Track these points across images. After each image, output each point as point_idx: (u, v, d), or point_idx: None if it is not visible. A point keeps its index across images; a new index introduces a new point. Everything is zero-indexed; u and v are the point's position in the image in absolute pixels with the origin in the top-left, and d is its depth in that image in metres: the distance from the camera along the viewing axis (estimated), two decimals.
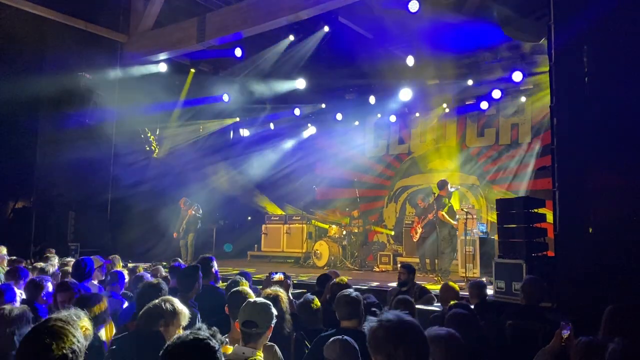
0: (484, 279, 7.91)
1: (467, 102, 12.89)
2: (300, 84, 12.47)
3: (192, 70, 12.69)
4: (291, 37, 10.94)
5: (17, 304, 4.00)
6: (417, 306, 5.23)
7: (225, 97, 13.27)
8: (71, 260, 6.81)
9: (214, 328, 1.84)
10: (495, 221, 8.31)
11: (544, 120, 11.42)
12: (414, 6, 8.45)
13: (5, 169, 10.10)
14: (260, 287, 4.86)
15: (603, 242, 5.38)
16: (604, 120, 5.60)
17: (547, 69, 6.30)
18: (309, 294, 4.26)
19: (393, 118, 14.12)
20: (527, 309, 4.54)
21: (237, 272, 6.32)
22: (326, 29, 10.35)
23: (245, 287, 4.03)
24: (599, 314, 3.31)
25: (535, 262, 6.61)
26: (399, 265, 8.90)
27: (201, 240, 12.18)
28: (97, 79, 11.18)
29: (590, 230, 5.47)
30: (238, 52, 11.13)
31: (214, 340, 1.84)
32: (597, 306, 3.63)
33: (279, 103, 14.24)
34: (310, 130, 15.20)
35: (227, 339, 3.06)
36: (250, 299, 3.18)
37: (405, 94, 12.16)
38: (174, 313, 2.99)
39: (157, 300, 3.08)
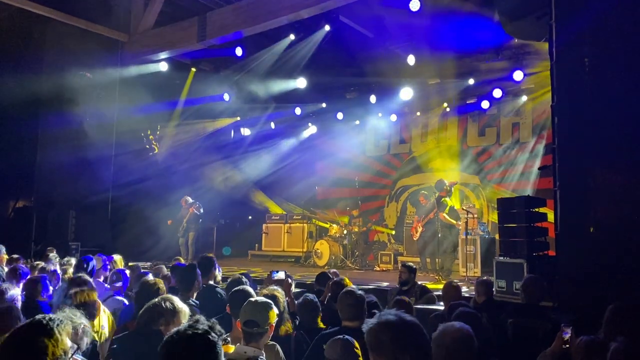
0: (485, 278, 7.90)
1: (468, 102, 12.87)
2: (301, 83, 12.47)
3: (193, 69, 12.70)
4: (292, 37, 10.94)
5: (19, 303, 4.01)
6: (418, 306, 5.24)
7: (226, 97, 13.28)
8: (71, 260, 6.82)
9: (213, 320, 1.79)
10: (496, 221, 8.31)
11: (545, 119, 11.41)
12: (415, 5, 8.44)
13: (6, 168, 10.11)
14: (261, 286, 4.85)
15: (604, 241, 5.38)
16: (605, 119, 5.59)
17: (548, 68, 6.29)
18: (308, 293, 4.25)
19: (394, 117, 14.11)
20: (528, 307, 4.53)
21: (240, 272, 6.32)
22: (327, 28, 10.34)
23: (247, 286, 4.03)
24: (600, 313, 3.31)
25: (536, 261, 6.61)
26: (399, 265, 8.91)
27: (202, 240, 12.18)
28: (97, 78, 11.19)
29: (592, 230, 5.46)
30: (239, 51, 11.13)
31: (212, 333, 1.78)
32: (598, 305, 3.62)
33: (279, 102, 14.23)
34: (311, 130, 15.20)
35: (229, 338, 3.05)
36: (251, 298, 3.17)
37: (406, 93, 12.16)
38: (174, 312, 2.99)
39: (157, 299, 3.08)
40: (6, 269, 5.73)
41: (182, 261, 7.72)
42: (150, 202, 12.00)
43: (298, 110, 14.13)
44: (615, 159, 5.56)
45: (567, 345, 3.02)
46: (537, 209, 7.07)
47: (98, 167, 11.29)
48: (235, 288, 3.70)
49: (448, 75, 12.02)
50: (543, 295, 4.77)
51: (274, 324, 2.99)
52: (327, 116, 14.51)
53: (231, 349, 2.85)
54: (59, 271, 5.86)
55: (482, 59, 11.24)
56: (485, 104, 12.27)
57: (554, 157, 5.93)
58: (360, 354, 2.78)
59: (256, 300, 3.05)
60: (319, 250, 11.71)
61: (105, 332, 3.99)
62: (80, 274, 4.52)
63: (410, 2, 8.50)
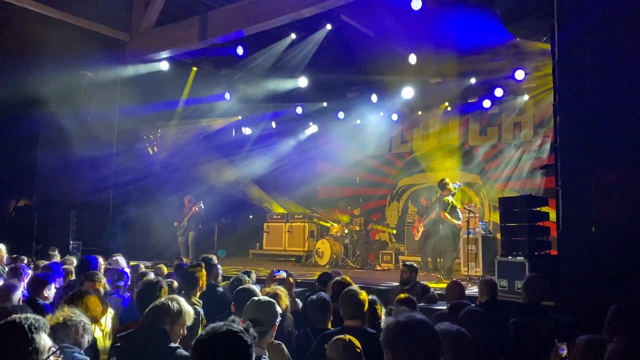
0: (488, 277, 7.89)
1: (469, 101, 12.85)
2: (302, 82, 12.46)
3: (194, 68, 12.70)
4: (293, 36, 10.93)
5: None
6: (420, 305, 5.23)
7: (227, 96, 13.27)
8: (71, 259, 6.83)
9: (248, 322, 1.79)
10: (498, 220, 8.30)
11: (547, 118, 11.39)
12: (416, 4, 8.43)
13: (7, 168, 10.12)
14: (263, 285, 4.85)
15: (606, 240, 5.37)
16: (607, 119, 5.58)
17: (550, 67, 6.28)
18: (321, 292, 4.22)
19: (395, 117, 14.09)
20: (530, 307, 4.53)
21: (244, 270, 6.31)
22: (328, 27, 10.33)
23: (251, 285, 4.03)
24: (602, 312, 3.30)
25: (538, 260, 6.60)
26: (401, 264, 8.90)
27: (203, 239, 12.18)
28: (98, 77, 11.20)
29: (594, 229, 5.45)
30: (240, 50, 11.12)
31: (247, 334, 1.80)
32: (600, 305, 3.62)
33: (280, 101, 14.22)
34: (312, 129, 15.18)
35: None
36: (254, 298, 3.18)
37: (408, 93, 12.14)
38: (180, 312, 3.00)
39: (163, 299, 3.08)
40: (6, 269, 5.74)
41: (185, 261, 7.72)
42: (151, 201, 12.01)
43: (299, 110, 14.11)
44: (618, 158, 5.55)
45: None
46: (539, 208, 7.06)
47: (99, 167, 11.29)
48: (241, 287, 3.71)
49: (449, 74, 12.00)
50: (545, 294, 4.76)
51: (276, 323, 2.99)
52: (328, 115, 14.49)
53: None
54: (60, 270, 5.86)
55: (483, 58, 11.22)
56: (486, 103, 12.26)
57: (556, 156, 5.92)
58: (362, 354, 2.78)
59: (259, 300, 3.05)
60: (320, 250, 11.71)
61: (109, 330, 4.00)
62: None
63: (412, 1, 8.48)
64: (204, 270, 4.55)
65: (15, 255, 7.16)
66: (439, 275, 9.08)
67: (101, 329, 3.88)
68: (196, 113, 13.55)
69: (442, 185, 9.60)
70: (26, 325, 1.93)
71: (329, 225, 13.01)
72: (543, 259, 6.76)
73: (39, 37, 10.14)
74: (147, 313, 3.02)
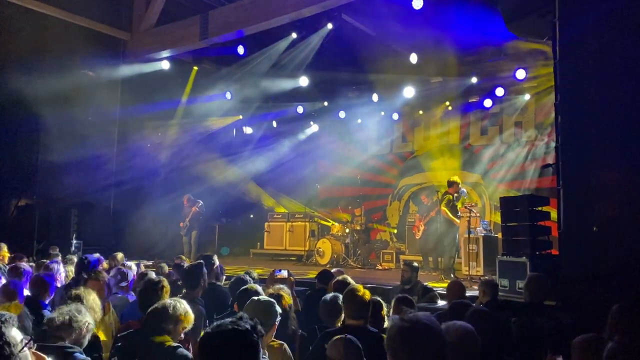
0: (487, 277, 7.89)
1: (470, 100, 12.85)
2: (303, 81, 12.45)
3: (195, 68, 12.69)
4: (294, 35, 10.92)
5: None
6: (421, 304, 5.22)
7: (228, 95, 13.26)
8: (72, 258, 6.83)
9: (255, 319, 1.78)
10: (499, 220, 8.30)
11: (548, 118, 11.37)
12: (417, 3, 8.42)
13: (8, 167, 10.12)
14: (264, 285, 4.85)
15: (608, 240, 5.36)
16: (608, 118, 5.57)
17: (552, 66, 6.27)
18: (336, 293, 4.19)
19: (396, 116, 14.09)
20: (531, 306, 4.52)
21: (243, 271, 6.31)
22: (329, 26, 10.33)
23: (255, 285, 4.02)
24: (603, 312, 3.30)
25: (539, 260, 6.59)
26: (401, 263, 8.90)
27: (204, 238, 12.19)
28: (100, 76, 11.19)
29: (595, 229, 5.44)
30: (241, 49, 11.11)
31: (254, 332, 1.77)
32: (601, 304, 3.62)
33: (281, 101, 14.21)
34: (313, 128, 15.18)
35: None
36: (254, 297, 3.17)
37: (409, 92, 12.13)
38: (181, 316, 3.01)
39: (166, 301, 3.08)
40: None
41: (185, 260, 7.72)
42: (152, 200, 12.01)
43: (300, 109, 14.10)
44: (619, 157, 5.54)
45: None
46: (540, 208, 7.05)
47: (100, 166, 11.31)
48: (244, 287, 3.70)
49: (450, 74, 11.99)
50: (546, 294, 4.76)
51: (276, 323, 2.98)
52: (329, 115, 14.48)
53: None
54: (62, 270, 5.87)
55: (484, 57, 11.22)
56: (487, 103, 12.24)
57: (557, 155, 5.91)
58: (362, 353, 2.78)
59: (259, 299, 3.05)
60: (320, 249, 11.71)
61: (111, 329, 4.01)
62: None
63: (413, 0, 8.47)
64: (205, 270, 4.55)
65: (14, 255, 7.16)
66: (440, 275, 9.07)
67: (102, 328, 3.88)
68: (197, 112, 13.54)
69: (451, 183, 9.62)
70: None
71: (329, 224, 13.00)
72: (544, 258, 6.75)
73: (40, 36, 10.14)
74: (148, 314, 3.02)
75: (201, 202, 11.59)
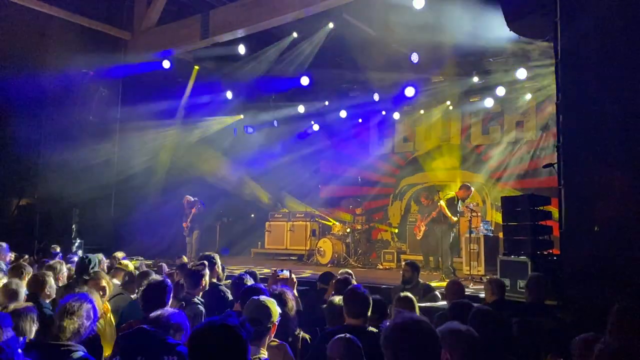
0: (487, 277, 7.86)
1: (471, 100, 12.84)
2: (304, 81, 12.44)
3: (196, 67, 12.68)
4: (295, 34, 10.92)
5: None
6: (422, 304, 5.22)
7: (229, 94, 13.26)
8: (73, 257, 6.84)
9: (243, 317, 1.83)
10: (500, 219, 8.29)
11: (549, 117, 11.36)
12: (419, 3, 8.40)
13: (9, 166, 10.13)
14: (266, 285, 4.85)
15: (609, 239, 5.35)
16: (610, 117, 5.56)
17: (553, 65, 6.27)
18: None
19: (397, 115, 14.08)
20: (533, 306, 4.52)
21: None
22: (330, 25, 10.32)
23: (257, 284, 4.02)
24: (605, 312, 3.29)
25: (541, 259, 6.59)
26: (402, 263, 8.89)
27: (205, 238, 12.19)
28: (101, 76, 11.19)
29: (596, 228, 5.44)
30: (241, 49, 11.10)
31: (242, 329, 1.82)
32: (603, 304, 3.61)
33: (282, 100, 14.20)
34: (314, 128, 15.17)
35: None
36: (253, 297, 3.17)
37: (410, 91, 12.11)
38: (182, 326, 3.03)
39: (167, 312, 3.08)
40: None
41: (185, 260, 7.73)
42: (153, 200, 12.01)
43: (301, 108, 14.10)
44: (620, 157, 5.53)
45: None
46: (541, 207, 7.04)
47: (101, 165, 11.31)
48: (247, 286, 3.70)
49: (452, 73, 11.98)
50: (547, 294, 4.75)
51: (276, 323, 2.98)
52: (330, 114, 14.48)
53: None
54: (64, 269, 5.87)
55: (485, 56, 11.20)
56: (489, 102, 12.24)
57: (559, 155, 5.90)
58: (362, 353, 2.77)
59: (258, 299, 3.04)
60: (321, 249, 11.70)
61: (112, 329, 4.01)
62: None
63: (414, 0, 8.45)
64: (206, 269, 4.55)
65: (16, 254, 7.17)
66: (441, 275, 9.07)
67: (103, 327, 3.88)
68: (198, 112, 13.54)
69: (466, 186, 9.70)
70: None
71: (330, 224, 13.00)
72: (545, 258, 6.75)
73: (41, 35, 10.14)
74: (151, 320, 3.03)
75: (199, 201, 11.58)
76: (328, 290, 5.18)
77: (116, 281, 5.20)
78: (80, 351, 2.78)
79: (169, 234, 11.92)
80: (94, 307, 3.00)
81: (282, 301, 3.43)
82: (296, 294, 4.65)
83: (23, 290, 4.19)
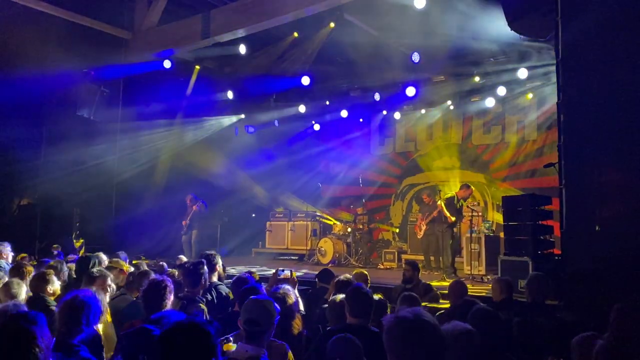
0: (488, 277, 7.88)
1: (472, 99, 12.81)
2: (304, 80, 12.43)
3: (197, 67, 12.68)
4: (295, 34, 10.91)
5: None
6: (423, 304, 5.21)
7: (230, 94, 13.26)
8: (73, 257, 6.84)
9: (209, 317, 1.94)
10: (501, 219, 8.28)
11: (550, 117, 11.35)
12: (420, 3, 8.39)
13: (11, 166, 10.14)
14: (266, 284, 4.85)
15: (610, 239, 5.35)
16: (611, 117, 5.56)
17: (554, 65, 6.26)
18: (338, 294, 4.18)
19: (398, 115, 14.07)
20: (534, 306, 4.52)
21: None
22: (331, 25, 10.31)
23: (256, 284, 4.02)
24: (606, 311, 3.29)
25: (542, 259, 6.60)
26: (403, 263, 8.89)
27: (206, 238, 12.18)
28: (101, 75, 11.20)
29: (597, 228, 5.43)
30: (242, 49, 11.10)
31: (210, 326, 1.88)
32: (604, 304, 3.61)
33: (283, 100, 14.19)
34: (315, 127, 15.16)
35: (231, 337, 3.05)
36: (252, 297, 3.16)
37: (411, 91, 12.10)
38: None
39: (169, 313, 3.09)
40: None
41: (184, 259, 7.72)
42: (154, 199, 12.02)
43: (302, 108, 14.10)
44: (622, 156, 5.53)
45: None
46: (542, 207, 7.04)
47: (102, 165, 11.31)
48: (245, 286, 3.69)
49: (452, 73, 11.96)
50: (548, 293, 4.75)
51: (275, 323, 2.97)
52: (331, 114, 14.47)
53: (233, 347, 2.84)
54: (65, 269, 5.87)
55: (487, 56, 11.19)
56: (490, 102, 12.22)
57: (560, 154, 5.90)
58: (362, 352, 2.77)
59: (257, 299, 3.04)
60: (322, 248, 11.71)
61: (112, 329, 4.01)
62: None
63: (415, 0, 8.44)
64: (205, 268, 4.55)
65: (16, 255, 7.16)
66: (443, 275, 9.06)
67: (104, 326, 3.88)
68: (199, 111, 13.54)
69: (466, 186, 9.71)
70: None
71: (331, 223, 13.00)
72: (546, 257, 6.75)
73: (42, 35, 10.15)
74: (155, 320, 3.03)
75: (203, 202, 11.58)
76: (329, 290, 5.18)
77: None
78: (82, 351, 2.78)
79: (170, 234, 11.92)
80: (95, 305, 3.00)
81: (283, 300, 3.43)
82: (297, 293, 4.66)
83: (24, 290, 4.20)
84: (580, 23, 5.77)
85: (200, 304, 4.23)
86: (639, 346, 2.62)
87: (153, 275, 4.59)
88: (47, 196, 10.58)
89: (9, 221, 10.48)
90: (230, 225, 13.99)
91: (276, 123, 15.09)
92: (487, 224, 10.39)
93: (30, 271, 5.04)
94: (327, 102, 14.20)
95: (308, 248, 12.61)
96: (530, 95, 11.93)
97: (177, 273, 5.84)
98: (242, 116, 14.92)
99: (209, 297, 4.63)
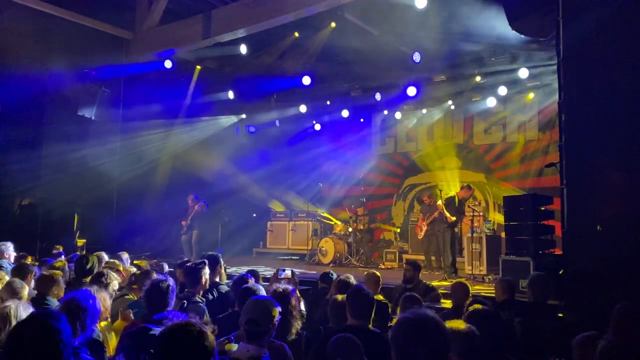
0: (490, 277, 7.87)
1: (473, 99, 12.80)
2: (305, 80, 12.43)
3: (198, 67, 12.69)
4: (296, 34, 10.91)
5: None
6: (424, 304, 5.21)
7: (231, 94, 13.26)
8: (75, 257, 6.83)
9: (207, 318, 1.99)
10: (502, 220, 8.28)
11: (551, 117, 11.34)
12: (421, 2, 8.39)
13: (12, 166, 10.14)
14: (267, 284, 4.85)
15: (611, 239, 5.34)
16: (612, 117, 5.55)
17: (555, 64, 6.25)
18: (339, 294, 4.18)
19: (399, 115, 14.06)
20: (535, 306, 4.51)
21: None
22: (332, 25, 10.31)
23: (255, 284, 4.02)
24: (607, 311, 3.29)
25: (543, 259, 6.59)
26: (404, 263, 8.89)
27: (206, 238, 12.19)
28: (103, 75, 11.20)
29: (599, 228, 5.42)
30: (243, 48, 11.11)
31: (205, 327, 1.91)
32: (605, 304, 3.61)
33: (284, 100, 14.19)
34: (316, 127, 15.16)
35: (232, 337, 3.05)
36: (253, 297, 3.16)
37: (412, 91, 12.10)
38: None
39: (171, 314, 3.09)
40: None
41: (186, 259, 7.72)
42: (155, 200, 12.02)
43: (303, 108, 14.09)
44: (623, 156, 5.52)
45: None
46: (543, 207, 7.04)
47: (103, 165, 11.32)
48: (245, 286, 3.69)
49: (454, 73, 11.96)
50: (550, 293, 4.74)
51: (276, 323, 2.97)
52: (332, 114, 14.47)
53: (234, 347, 2.84)
54: (66, 269, 5.88)
55: (487, 56, 11.19)
56: (491, 102, 12.22)
57: (561, 154, 5.89)
58: (362, 353, 2.77)
59: (257, 299, 3.03)
60: (323, 248, 11.70)
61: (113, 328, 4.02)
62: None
63: (416, 0, 8.44)
64: (207, 268, 4.55)
65: (18, 255, 7.17)
66: (444, 275, 9.06)
67: (106, 326, 3.89)
68: (200, 111, 13.55)
69: (468, 187, 9.70)
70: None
71: (332, 223, 13.00)
72: (548, 257, 6.75)
73: (43, 35, 10.15)
74: (157, 320, 3.03)
75: (205, 202, 11.59)
76: (330, 290, 5.18)
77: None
78: (82, 353, 2.78)
79: (171, 234, 11.92)
80: (93, 306, 3.01)
81: (283, 300, 3.42)
82: (298, 293, 4.66)
83: (26, 290, 4.20)
84: (581, 23, 5.76)
85: (201, 304, 4.23)
86: None
87: (156, 275, 4.60)
88: (48, 196, 10.59)
89: (10, 221, 10.48)
90: (231, 225, 14.00)
91: (277, 123, 15.10)
92: (489, 224, 10.39)
93: (33, 271, 5.05)
94: (328, 102, 14.20)
95: (309, 248, 12.61)
96: (531, 95, 11.93)
97: (177, 273, 5.84)
98: (243, 116, 14.92)
99: (210, 297, 4.64)
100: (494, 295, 5.30)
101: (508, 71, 11.15)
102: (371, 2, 9.28)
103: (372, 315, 3.46)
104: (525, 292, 4.96)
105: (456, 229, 9.58)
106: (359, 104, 13.79)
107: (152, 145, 12.59)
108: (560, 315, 4.90)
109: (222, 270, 5.63)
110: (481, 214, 10.73)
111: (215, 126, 14.35)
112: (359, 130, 14.90)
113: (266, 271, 8.77)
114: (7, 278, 4.67)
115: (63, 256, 7.50)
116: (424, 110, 13.74)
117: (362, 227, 12.02)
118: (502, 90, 11.63)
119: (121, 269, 5.73)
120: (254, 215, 15.15)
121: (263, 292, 3.61)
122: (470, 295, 5.10)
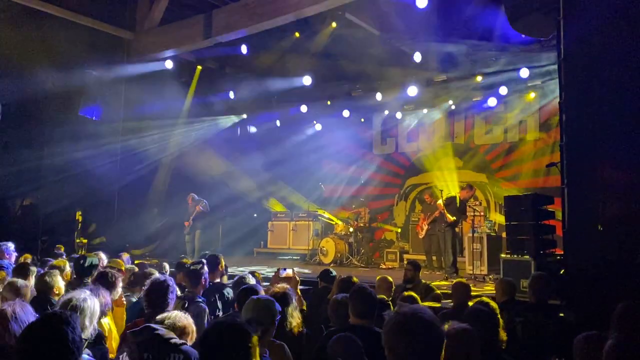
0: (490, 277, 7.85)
1: (474, 99, 12.79)
2: (306, 80, 12.43)
3: (199, 67, 12.70)
4: (297, 34, 10.92)
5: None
6: (424, 304, 5.20)
7: (232, 94, 13.27)
8: (76, 257, 6.84)
9: (242, 316, 2.09)
10: (503, 220, 8.27)
11: (552, 116, 11.33)
12: (422, 2, 8.38)
13: (13, 166, 10.16)
14: (268, 284, 4.85)
15: (612, 239, 5.34)
16: (613, 116, 5.54)
17: (556, 64, 6.25)
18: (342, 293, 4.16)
19: (400, 115, 14.06)
20: (536, 305, 4.51)
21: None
22: (333, 25, 10.32)
23: (255, 285, 4.02)
24: (608, 311, 3.29)
25: (544, 259, 6.58)
26: (405, 263, 8.89)
27: (207, 238, 12.20)
28: (103, 76, 11.22)
29: (600, 228, 5.42)
30: (244, 49, 11.11)
31: (249, 326, 2.01)
32: (606, 304, 3.61)
33: (285, 100, 14.19)
34: (317, 127, 15.16)
35: None
36: (253, 296, 3.17)
37: (412, 91, 12.10)
38: (186, 332, 3.03)
39: (171, 316, 3.08)
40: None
41: (186, 261, 7.72)
42: (156, 200, 12.03)
43: (303, 108, 14.09)
44: (624, 156, 5.51)
45: None
46: (544, 207, 7.03)
47: (104, 165, 11.33)
48: (243, 286, 3.69)
49: (454, 73, 11.95)
50: (551, 293, 4.74)
51: (276, 322, 2.97)
52: (333, 114, 14.47)
53: None
54: (67, 269, 5.88)
55: (488, 55, 11.17)
56: (492, 101, 12.21)
57: (562, 154, 5.88)
58: (363, 353, 2.77)
59: (258, 299, 3.03)
60: (324, 248, 11.70)
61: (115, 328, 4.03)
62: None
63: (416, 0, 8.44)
64: (206, 267, 4.55)
65: (18, 255, 7.18)
66: (445, 275, 9.06)
67: (109, 326, 3.89)
68: (201, 111, 13.56)
69: (469, 186, 9.70)
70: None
71: (333, 223, 13.00)
72: (548, 257, 6.74)
73: (43, 36, 10.17)
74: (159, 320, 3.03)
75: (205, 201, 11.60)
76: (332, 290, 5.18)
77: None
78: (84, 355, 2.78)
79: (172, 234, 11.93)
80: (90, 307, 3.01)
81: (284, 300, 3.42)
82: (299, 293, 4.66)
83: (28, 290, 4.20)
84: (582, 23, 5.75)
85: (201, 304, 4.23)
86: None
87: (156, 275, 4.60)
88: (50, 197, 10.61)
89: (11, 221, 10.50)
90: (231, 225, 14.01)
91: (278, 123, 15.10)
92: (489, 224, 10.37)
93: (34, 271, 5.06)
94: (329, 102, 14.18)
95: (310, 248, 12.61)
96: (532, 95, 11.92)
97: (177, 273, 5.84)
98: (244, 116, 14.93)
99: (211, 297, 4.64)
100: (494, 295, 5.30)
101: (509, 71, 11.13)
102: (372, 2, 9.28)
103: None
104: (526, 292, 4.95)
105: (457, 229, 9.58)
106: (360, 104, 13.77)
107: (153, 145, 12.60)
108: (561, 315, 4.90)
109: (223, 270, 5.61)
110: (482, 213, 10.73)
111: (216, 126, 14.36)
112: (360, 130, 14.89)
113: (266, 271, 8.76)
114: (9, 278, 4.68)
115: (64, 256, 7.50)
116: (425, 110, 13.72)
117: (363, 227, 12.02)
118: (503, 90, 11.62)
119: (123, 268, 5.73)
120: (255, 215, 15.16)
121: (261, 291, 3.61)
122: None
